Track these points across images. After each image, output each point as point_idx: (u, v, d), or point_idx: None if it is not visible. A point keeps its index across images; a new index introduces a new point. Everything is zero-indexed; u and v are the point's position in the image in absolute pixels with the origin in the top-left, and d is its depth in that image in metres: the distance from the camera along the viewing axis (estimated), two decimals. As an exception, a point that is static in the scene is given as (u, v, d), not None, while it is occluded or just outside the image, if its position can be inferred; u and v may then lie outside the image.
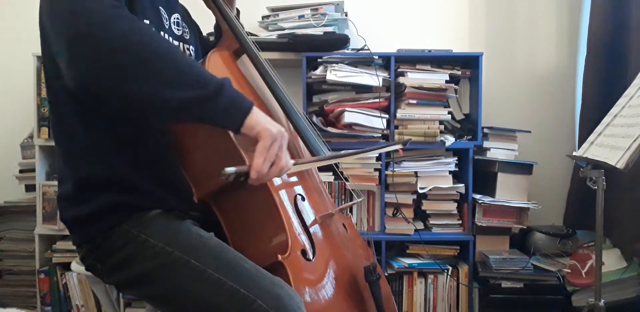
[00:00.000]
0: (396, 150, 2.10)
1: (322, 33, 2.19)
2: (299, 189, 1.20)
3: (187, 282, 0.98)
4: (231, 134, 1.02)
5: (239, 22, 1.31)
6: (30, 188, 2.36)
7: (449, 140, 2.14)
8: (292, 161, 1.01)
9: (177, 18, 1.22)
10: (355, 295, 1.20)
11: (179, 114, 0.93)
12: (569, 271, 2.07)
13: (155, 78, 0.88)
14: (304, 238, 1.11)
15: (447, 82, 2.17)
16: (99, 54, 0.86)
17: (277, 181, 1.12)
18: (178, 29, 1.21)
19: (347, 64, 2.18)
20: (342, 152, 1.34)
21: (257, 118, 0.96)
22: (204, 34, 1.44)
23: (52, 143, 2.09)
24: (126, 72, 0.87)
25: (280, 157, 0.97)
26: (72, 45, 0.87)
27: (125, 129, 1.03)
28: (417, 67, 2.19)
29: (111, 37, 0.86)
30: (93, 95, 0.94)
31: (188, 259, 0.98)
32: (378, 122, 2.15)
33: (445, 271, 2.14)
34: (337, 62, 2.18)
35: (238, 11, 1.38)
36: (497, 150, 2.22)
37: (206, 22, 1.43)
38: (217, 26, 1.36)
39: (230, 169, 0.91)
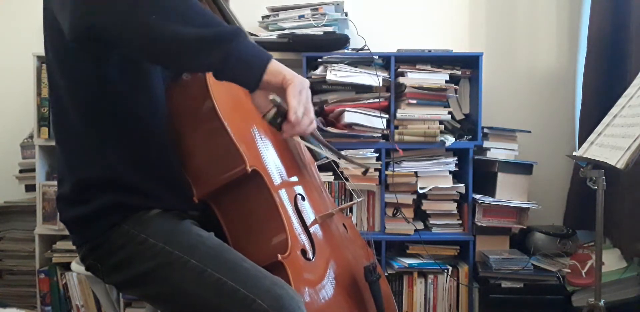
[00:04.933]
0: (396, 150, 2.11)
1: (322, 33, 2.19)
2: (299, 189, 1.20)
3: (187, 282, 0.98)
4: (230, 132, 1.02)
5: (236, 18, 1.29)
6: (30, 188, 2.36)
7: (449, 140, 2.14)
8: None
9: None
10: (355, 295, 1.20)
11: (199, 56, 0.84)
12: (569, 271, 2.07)
13: (172, 13, 0.82)
14: (303, 238, 1.11)
15: (447, 82, 2.17)
16: None
17: (277, 180, 1.12)
18: None
19: (347, 64, 2.18)
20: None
21: (279, 66, 0.90)
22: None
23: (52, 143, 2.10)
24: (144, 7, 0.81)
25: (309, 108, 0.93)
26: None
27: (126, 129, 1.03)
28: (417, 67, 2.19)
29: None
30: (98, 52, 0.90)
31: (188, 258, 0.98)
32: (378, 122, 2.15)
33: (445, 271, 2.14)
34: (337, 62, 2.18)
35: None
36: (497, 150, 2.22)
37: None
38: None
39: (276, 99, 0.89)
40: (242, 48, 0.85)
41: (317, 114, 2.24)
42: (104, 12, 0.82)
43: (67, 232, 2.04)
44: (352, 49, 2.27)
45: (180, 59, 0.85)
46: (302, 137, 1.22)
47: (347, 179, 2.10)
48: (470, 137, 2.22)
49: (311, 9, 2.23)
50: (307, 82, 0.94)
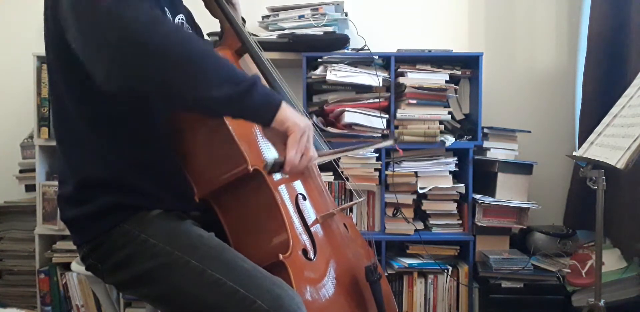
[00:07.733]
0: (396, 150, 2.11)
1: (322, 33, 2.19)
2: (300, 189, 1.20)
3: (187, 282, 0.98)
4: (232, 131, 1.03)
5: (244, 27, 1.31)
6: (30, 188, 2.36)
7: (449, 140, 2.14)
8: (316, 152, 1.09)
9: (182, 19, 1.22)
10: (356, 295, 1.20)
11: (217, 110, 0.97)
12: (569, 271, 2.07)
13: (197, 77, 0.89)
14: (305, 237, 1.11)
15: (447, 82, 2.17)
16: (145, 57, 0.85)
17: (278, 179, 1.12)
18: None
19: (347, 64, 2.18)
20: (351, 147, 1.37)
21: (286, 113, 1.00)
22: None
23: (52, 143, 2.09)
24: (170, 73, 0.87)
25: (308, 149, 1.05)
26: (117, 51, 0.85)
27: (126, 129, 1.03)
28: (417, 67, 2.19)
29: (153, 39, 0.85)
30: (118, 95, 0.94)
31: (188, 259, 0.99)
32: (378, 122, 2.15)
33: (445, 271, 2.14)
34: (337, 62, 2.18)
35: (243, 19, 1.38)
36: (497, 151, 2.22)
37: (207, 24, 1.44)
38: (222, 29, 1.36)
39: (269, 160, 1.02)
40: (256, 101, 0.96)
41: (317, 114, 2.24)
42: (138, 79, 0.87)
43: (67, 232, 2.05)
44: (352, 49, 2.27)
45: (208, 113, 1.00)
46: None
47: (347, 179, 2.10)
48: (470, 137, 2.22)
49: (311, 9, 2.23)
50: (309, 125, 1.05)
